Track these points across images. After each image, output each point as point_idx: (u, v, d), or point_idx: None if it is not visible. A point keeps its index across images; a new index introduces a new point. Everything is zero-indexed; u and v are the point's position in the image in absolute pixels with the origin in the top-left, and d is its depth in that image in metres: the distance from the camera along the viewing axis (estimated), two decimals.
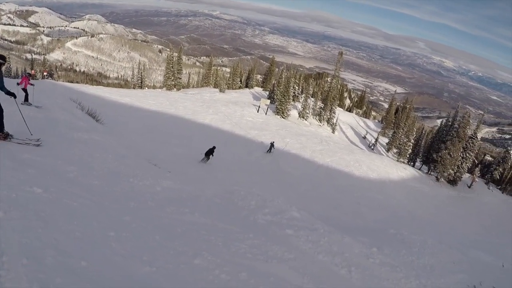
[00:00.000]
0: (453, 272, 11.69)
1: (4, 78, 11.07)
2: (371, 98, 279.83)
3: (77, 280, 4.39)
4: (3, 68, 11.21)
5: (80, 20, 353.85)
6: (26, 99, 19.81)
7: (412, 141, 57.94)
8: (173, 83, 78.31)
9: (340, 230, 10.29)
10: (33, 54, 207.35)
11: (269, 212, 9.31)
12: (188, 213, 8.59)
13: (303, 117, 62.91)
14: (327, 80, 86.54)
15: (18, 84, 20.34)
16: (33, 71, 63.09)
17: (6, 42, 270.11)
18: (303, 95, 68.13)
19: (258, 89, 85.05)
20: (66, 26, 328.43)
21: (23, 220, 5.39)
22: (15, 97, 11.32)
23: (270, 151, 37.73)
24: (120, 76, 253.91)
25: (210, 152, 29.37)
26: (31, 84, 21.04)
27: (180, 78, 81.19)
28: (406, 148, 57.21)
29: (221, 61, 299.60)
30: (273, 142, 38.49)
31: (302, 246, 7.79)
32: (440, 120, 75.11)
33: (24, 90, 20.13)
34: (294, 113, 62.52)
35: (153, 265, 5.40)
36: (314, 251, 7.76)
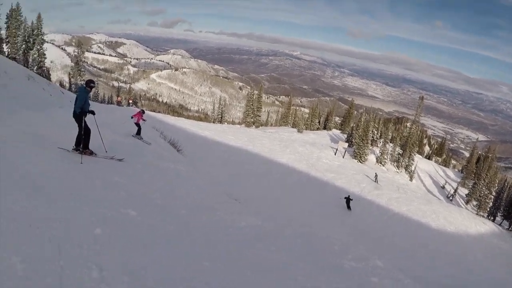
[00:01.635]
0: None
1: (90, 101, 12.26)
2: (451, 145, 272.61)
3: None
4: (91, 92, 12.48)
5: (165, 54, 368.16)
6: (138, 132, 21.07)
7: (494, 193, 56.07)
8: (252, 120, 79.38)
9: (420, 283, 10.19)
10: (119, 82, 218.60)
11: (353, 258, 9.34)
12: (275, 251, 8.68)
13: (381, 163, 62.18)
14: (406, 125, 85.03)
15: (132, 117, 21.71)
16: (119, 98, 66.04)
17: (95, 69, 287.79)
18: (382, 139, 67.51)
19: (336, 132, 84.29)
20: (151, 58, 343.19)
21: (122, 239, 5.82)
22: (93, 113, 12.20)
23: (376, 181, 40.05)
24: (200, 110, 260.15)
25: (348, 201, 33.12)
26: (144, 120, 22.21)
27: (259, 116, 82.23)
28: (487, 201, 55.37)
29: (300, 101, 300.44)
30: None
31: None
32: None
33: (137, 124, 21.27)
34: (371, 157, 61.94)
35: None
36: None
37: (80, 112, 11.60)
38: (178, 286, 4.98)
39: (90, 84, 12.03)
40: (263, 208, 20.90)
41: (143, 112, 22.62)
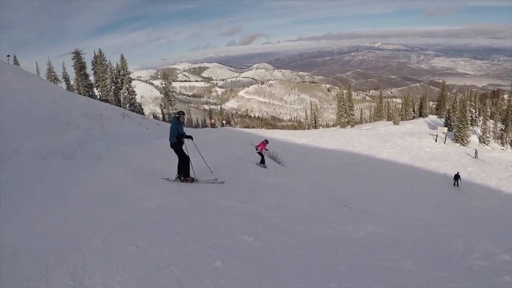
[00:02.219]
0: None
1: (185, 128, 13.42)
2: None
3: None
4: (184, 120, 13.46)
5: (248, 70, 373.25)
6: (262, 161, 22.16)
7: None
8: (347, 120, 79.38)
9: None
10: (210, 105, 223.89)
11: (479, 256, 8.69)
12: (400, 260, 8.07)
13: (484, 142, 60.09)
14: (503, 98, 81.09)
15: (256, 147, 22.66)
16: (212, 120, 68.47)
17: (184, 96, 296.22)
18: (481, 117, 65.62)
19: (432, 117, 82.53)
20: (236, 77, 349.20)
21: (242, 269, 5.77)
22: (191, 138, 13.22)
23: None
24: (293, 118, 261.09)
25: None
26: (266, 149, 23.02)
27: (353, 115, 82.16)
28: None
29: (391, 92, 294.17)
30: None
31: None
32: None
33: (260, 154, 22.34)
34: (474, 138, 59.98)
35: None
36: None
37: (176, 142, 12.64)
38: None
39: (180, 114, 13.22)
40: (374, 210, 20.90)
41: (266, 142, 23.02)
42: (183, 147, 12.98)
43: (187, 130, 17.02)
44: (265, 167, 21.51)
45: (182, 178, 12.88)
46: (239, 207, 10.50)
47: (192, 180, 13.04)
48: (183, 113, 13.46)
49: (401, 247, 9.32)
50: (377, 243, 9.61)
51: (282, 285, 5.45)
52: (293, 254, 7.27)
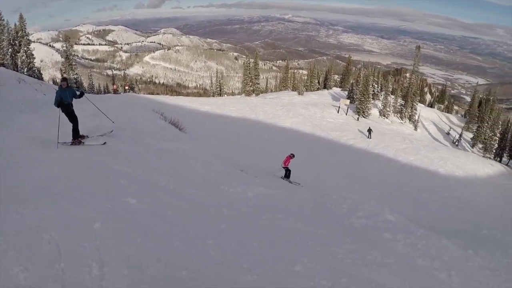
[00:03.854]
0: None
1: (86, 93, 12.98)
2: (452, 91, 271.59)
3: None
4: (64, 85, 12.95)
5: (155, 35, 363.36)
6: (288, 176, 22.43)
7: (498, 135, 56.58)
8: (252, 88, 79.25)
9: (435, 232, 10.16)
10: (113, 70, 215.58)
11: (363, 216, 9.27)
12: (283, 218, 8.62)
13: (384, 116, 62.51)
14: (405, 76, 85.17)
15: (282, 163, 22.53)
16: (115, 86, 65.91)
17: (87, 60, 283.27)
18: (383, 92, 67.68)
19: (336, 90, 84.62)
20: (142, 41, 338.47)
21: (121, 230, 5.78)
22: (82, 95, 13.47)
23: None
24: (198, 85, 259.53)
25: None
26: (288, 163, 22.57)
27: (258, 84, 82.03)
28: (492, 142, 55.97)
29: (297, 64, 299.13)
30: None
31: (401, 250, 7.66)
32: None
33: (287, 168, 22.43)
34: (374, 111, 62.29)
35: (254, 273, 5.46)
36: (413, 255, 7.65)
37: (63, 107, 12.83)
38: (181, 271, 5.02)
39: (61, 80, 13.38)
40: (271, 176, 20.94)
41: (292, 156, 22.72)
42: (69, 111, 12.98)
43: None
44: (291, 182, 21.68)
45: (72, 141, 12.90)
46: (129, 172, 10.39)
47: (79, 142, 13.02)
48: (64, 79, 13.38)
49: (287, 207, 10.05)
50: (264, 203, 10.19)
51: (161, 244, 5.73)
52: (176, 215, 7.53)
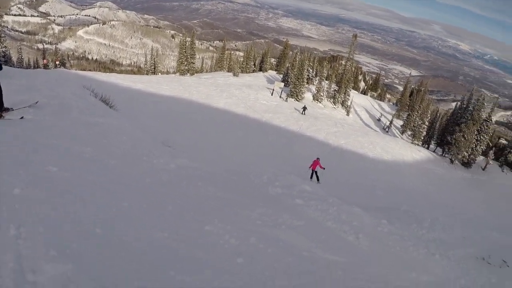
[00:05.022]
0: (463, 246, 11.84)
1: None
2: (385, 81, 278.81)
3: (93, 245, 4.62)
4: None
5: (91, 8, 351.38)
6: (317, 179, 23.91)
7: (427, 123, 58.37)
8: (187, 68, 78.31)
9: (350, 203, 10.42)
10: (44, 44, 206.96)
11: (280, 185, 9.40)
12: (202, 187, 8.69)
13: (318, 100, 63.11)
14: (341, 63, 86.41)
15: (310, 167, 24.27)
16: (45, 61, 63.51)
17: (17, 33, 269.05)
18: (317, 78, 68.20)
19: (272, 73, 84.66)
20: (77, 14, 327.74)
21: (40, 195, 5.56)
22: (1, 67, 12.15)
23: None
24: (133, 63, 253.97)
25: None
26: (323, 168, 24.09)
27: (194, 63, 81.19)
28: (421, 130, 57.56)
29: (235, 45, 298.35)
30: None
31: (312, 214, 7.84)
32: (455, 103, 74.80)
33: (315, 172, 24.03)
34: (308, 96, 62.77)
35: (165, 231, 5.60)
36: (323, 219, 7.83)
37: None
38: (95, 228, 5.02)
39: None
40: (200, 152, 20.90)
41: (318, 159, 24.08)
42: None
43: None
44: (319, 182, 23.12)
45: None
46: (53, 143, 9.54)
47: (7, 110, 11.77)
48: None
49: (209, 178, 9.99)
50: (186, 174, 10.13)
51: (74, 203, 5.56)
52: (96, 180, 7.20)
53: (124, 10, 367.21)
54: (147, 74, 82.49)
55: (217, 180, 9.94)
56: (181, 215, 6.61)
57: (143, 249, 5.06)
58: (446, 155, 54.14)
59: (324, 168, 24.23)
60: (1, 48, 53.37)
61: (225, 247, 5.84)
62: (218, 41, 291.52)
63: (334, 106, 66.05)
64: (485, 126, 51.60)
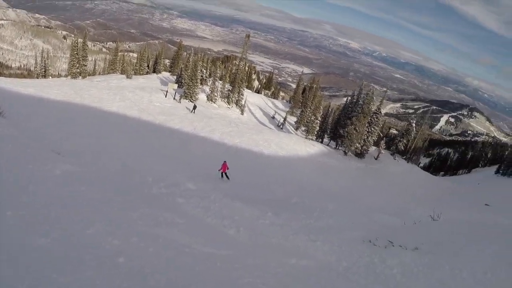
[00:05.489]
0: (351, 230, 12.43)
1: None
2: (279, 79, 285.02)
3: None
4: None
5: None
6: (227, 177, 26.41)
7: (320, 118, 60.08)
8: (78, 70, 76.14)
9: (234, 199, 10.68)
10: None
11: (164, 185, 9.60)
12: (85, 191, 8.66)
13: (212, 100, 63.31)
14: (235, 63, 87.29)
15: (219, 170, 26.43)
16: None
17: None
18: (211, 78, 68.47)
19: (166, 74, 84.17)
20: None
21: None
22: None
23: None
24: (23, 66, 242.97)
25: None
26: (228, 168, 26.51)
27: (86, 65, 79.08)
28: (314, 125, 59.20)
29: (128, 46, 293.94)
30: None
31: (192, 212, 8.10)
32: (346, 98, 77.58)
33: (224, 173, 26.45)
34: (202, 96, 62.71)
35: (49, 237, 5.60)
36: (204, 216, 8.10)
37: None
38: None
39: None
40: (89, 157, 20.49)
41: (225, 162, 26.64)
42: None
43: None
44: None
45: None
46: None
47: None
48: None
49: (92, 181, 10.48)
50: (71, 179, 10.10)
51: None
52: None
53: (14, 9, 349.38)
54: (37, 77, 79.56)
55: (101, 182, 10.01)
56: (64, 219, 6.56)
57: (26, 254, 5.05)
58: (340, 148, 56.19)
59: (228, 168, 26.18)
60: None
61: (106, 249, 5.92)
62: (111, 42, 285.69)
63: (229, 106, 66.47)
64: (375, 118, 54.00)
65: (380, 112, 55.70)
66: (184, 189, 9.31)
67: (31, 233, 5.64)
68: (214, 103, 63.55)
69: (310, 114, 62.20)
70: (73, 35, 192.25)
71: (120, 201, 8.00)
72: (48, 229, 5.89)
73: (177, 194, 8.88)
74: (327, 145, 58.19)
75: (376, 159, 55.25)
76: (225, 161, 26.59)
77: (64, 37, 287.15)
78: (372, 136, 54.24)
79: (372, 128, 54.12)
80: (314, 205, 14.90)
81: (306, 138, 57.72)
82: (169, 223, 7.27)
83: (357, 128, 51.52)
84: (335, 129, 60.53)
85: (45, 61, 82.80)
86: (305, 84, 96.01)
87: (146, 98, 52.11)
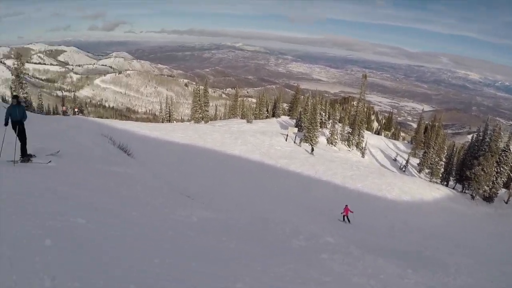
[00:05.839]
0: None
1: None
2: (398, 119, 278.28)
3: None
4: (14, 102, 12.73)
5: (107, 58, 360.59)
6: (348, 221, 27.43)
7: (444, 159, 57.77)
8: (201, 115, 78.81)
9: (374, 253, 10.31)
10: (63, 92, 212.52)
11: (303, 238, 9.37)
12: (226, 241, 8.61)
13: (332, 143, 62.94)
14: (353, 104, 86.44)
15: (341, 213, 27.83)
16: (64, 108, 64.84)
17: (37, 80, 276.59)
18: (330, 121, 68.43)
19: (285, 118, 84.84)
20: (94, 64, 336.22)
21: (71, 247, 5.62)
22: (21, 123, 12.62)
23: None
24: (148, 111, 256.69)
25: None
26: (351, 211, 27.68)
27: (207, 111, 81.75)
28: (438, 167, 56.95)
29: (247, 92, 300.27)
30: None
31: (338, 269, 7.79)
32: (471, 135, 74.13)
33: (346, 216, 27.62)
34: (322, 139, 62.55)
35: None
36: (350, 274, 7.75)
37: (6, 124, 12.17)
38: (129, 284, 4.88)
39: (12, 99, 13.18)
40: (218, 202, 20.71)
41: (347, 206, 27.88)
42: (20, 128, 12.57)
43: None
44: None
45: (21, 159, 12.44)
46: (78, 194, 9.98)
47: (28, 160, 12.61)
48: (15, 97, 13.07)
49: (230, 230, 10.15)
50: (208, 227, 10.32)
51: (107, 259, 5.56)
52: (122, 235, 7.31)
53: (138, 60, 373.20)
54: (162, 122, 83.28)
55: (239, 232, 9.92)
56: (209, 273, 6.49)
57: None
58: (467, 191, 53.18)
59: (352, 212, 27.03)
60: (23, 94, 54.44)
61: None
62: (230, 88, 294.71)
63: (349, 148, 65.83)
64: (504, 157, 50.79)
65: (510, 150, 52.55)
66: (324, 243, 9.06)
67: (177, 284, 5.59)
68: (335, 146, 63.16)
69: (433, 155, 59.77)
70: (194, 83, 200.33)
71: (264, 255, 7.84)
72: (195, 283, 5.82)
73: (319, 248, 8.63)
74: (453, 188, 55.19)
75: (506, 202, 51.57)
76: (346, 205, 27.35)
77: (186, 85, 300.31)
78: (501, 177, 50.87)
79: (501, 168, 50.95)
80: (448, 258, 14.09)
81: (430, 181, 55.51)
82: (316, 281, 6.89)
83: (484, 169, 48.82)
84: (461, 171, 57.31)
85: (169, 106, 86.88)
86: (426, 122, 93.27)
87: (267, 142, 52.69)
